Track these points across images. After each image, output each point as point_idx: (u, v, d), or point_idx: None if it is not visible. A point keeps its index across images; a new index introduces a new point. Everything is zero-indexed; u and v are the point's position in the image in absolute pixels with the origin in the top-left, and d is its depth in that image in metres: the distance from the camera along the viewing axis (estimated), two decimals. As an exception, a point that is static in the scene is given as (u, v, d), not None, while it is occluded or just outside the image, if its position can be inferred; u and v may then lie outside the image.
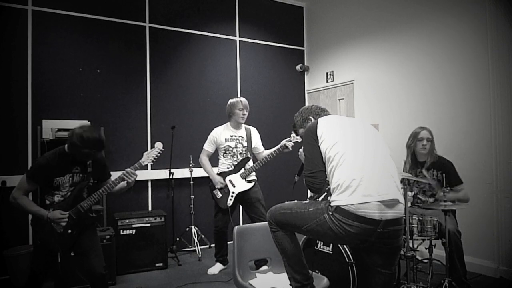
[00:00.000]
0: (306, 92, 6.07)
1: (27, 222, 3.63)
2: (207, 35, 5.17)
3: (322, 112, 2.30)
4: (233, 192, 3.71)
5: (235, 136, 3.81)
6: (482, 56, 3.78)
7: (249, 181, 3.75)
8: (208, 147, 3.86)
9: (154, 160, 2.83)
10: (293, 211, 2.07)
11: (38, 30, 4.11)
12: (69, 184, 2.55)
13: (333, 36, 5.58)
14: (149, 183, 4.68)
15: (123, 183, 2.67)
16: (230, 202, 3.70)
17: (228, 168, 3.78)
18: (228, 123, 3.87)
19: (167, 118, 4.78)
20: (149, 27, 4.76)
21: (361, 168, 1.87)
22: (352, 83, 5.27)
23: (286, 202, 2.19)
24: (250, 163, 3.80)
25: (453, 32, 4.04)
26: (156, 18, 4.81)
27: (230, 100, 3.83)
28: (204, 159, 3.87)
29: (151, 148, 4.65)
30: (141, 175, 4.59)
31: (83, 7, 4.36)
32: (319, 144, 1.99)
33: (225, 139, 3.79)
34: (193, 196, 4.60)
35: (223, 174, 3.78)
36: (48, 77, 4.15)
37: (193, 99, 5.01)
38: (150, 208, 4.66)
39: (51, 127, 3.82)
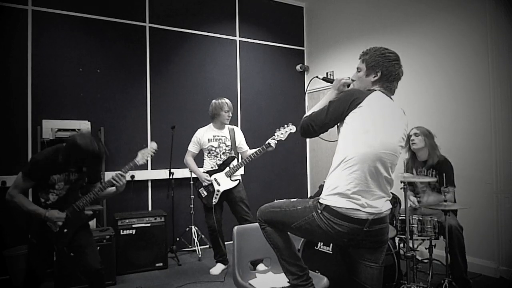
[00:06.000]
0: (306, 92, 6.07)
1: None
2: (207, 35, 5.17)
3: (390, 75, 2.14)
4: (218, 191, 3.76)
5: (218, 136, 3.86)
6: (483, 56, 3.78)
7: (234, 180, 3.81)
8: (192, 148, 3.92)
9: (147, 159, 2.80)
10: (282, 209, 2.08)
11: (38, 30, 4.11)
12: (64, 182, 2.53)
13: (333, 36, 5.58)
14: (149, 183, 4.69)
15: (112, 188, 2.64)
16: (215, 200, 3.75)
17: (212, 167, 3.84)
18: (211, 124, 3.93)
19: (167, 118, 4.78)
20: (149, 27, 4.76)
21: (360, 177, 1.85)
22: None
23: (276, 201, 2.20)
24: (235, 162, 3.85)
25: (453, 31, 4.04)
26: (156, 18, 4.81)
27: (215, 101, 3.86)
28: (189, 159, 3.92)
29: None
30: (141, 175, 4.59)
31: (83, 7, 4.36)
32: (346, 114, 1.90)
33: (208, 139, 3.84)
34: (193, 196, 4.60)
35: (208, 173, 3.83)
36: (48, 77, 4.15)
37: (193, 99, 5.01)
38: (150, 208, 4.67)
39: (51, 127, 3.82)
